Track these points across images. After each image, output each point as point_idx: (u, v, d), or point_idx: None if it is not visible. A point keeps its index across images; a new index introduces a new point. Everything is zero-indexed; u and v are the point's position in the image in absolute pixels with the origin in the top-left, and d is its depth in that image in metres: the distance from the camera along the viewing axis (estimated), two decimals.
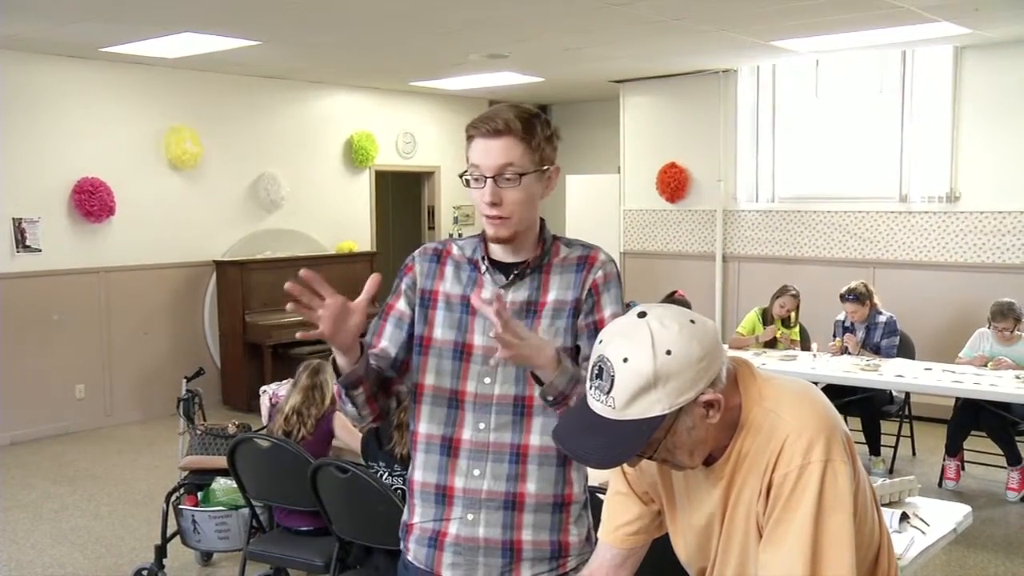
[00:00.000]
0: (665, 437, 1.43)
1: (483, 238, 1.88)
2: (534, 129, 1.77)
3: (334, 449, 3.96)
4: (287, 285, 1.64)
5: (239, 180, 8.14)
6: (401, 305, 1.90)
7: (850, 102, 7.46)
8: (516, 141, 1.75)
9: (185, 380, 4.81)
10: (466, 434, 1.83)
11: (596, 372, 1.43)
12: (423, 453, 1.88)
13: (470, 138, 1.80)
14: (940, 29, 6.11)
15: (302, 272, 1.65)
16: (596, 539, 1.87)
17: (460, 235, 2.05)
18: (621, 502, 1.73)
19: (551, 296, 1.84)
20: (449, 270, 1.89)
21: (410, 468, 1.93)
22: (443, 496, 1.85)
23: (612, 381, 1.39)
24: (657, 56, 7.33)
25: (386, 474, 3.36)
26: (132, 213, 7.37)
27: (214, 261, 7.92)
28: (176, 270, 7.75)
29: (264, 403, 4.62)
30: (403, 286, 1.91)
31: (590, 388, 1.44)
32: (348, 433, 3.86)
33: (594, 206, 9.21)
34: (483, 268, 1.86)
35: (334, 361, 1.77)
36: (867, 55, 7.19)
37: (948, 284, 7.08)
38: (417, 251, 1.94)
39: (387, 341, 1.89)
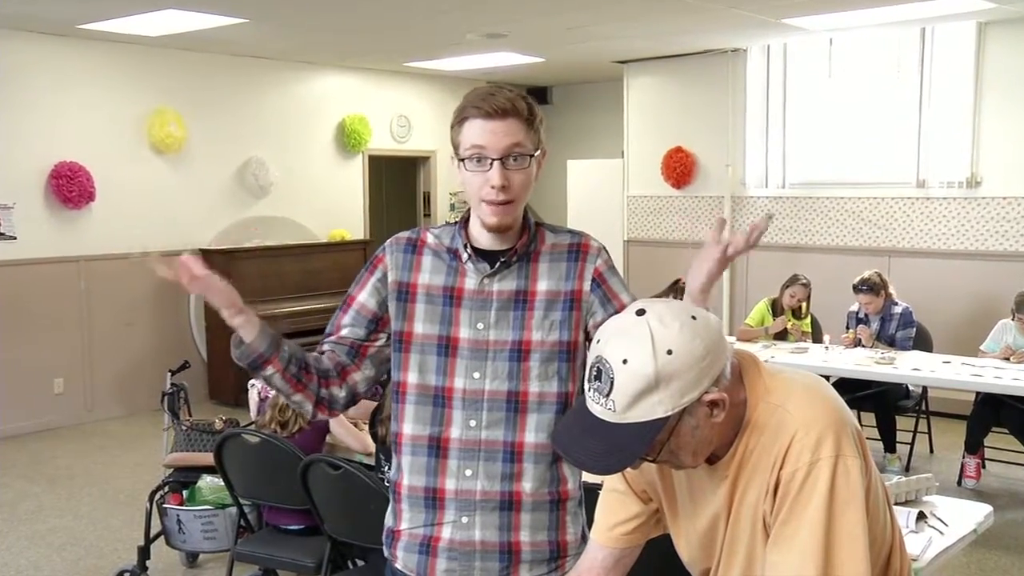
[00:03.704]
0: (669, 439, 1.41)
1: (462, 225, 1.84)
2: (534, 110, 1.77)
3: (327, 445, 3.94)
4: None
5: (226, 165, 8.07)
6: (363, 297, 1.87)
7: (865, 83, 7.35)
8: (520, 122, 1.74)
9: (170, 373, 4.75)
10: (455, 432, 1.80)
11: (594, 373, 1.40)
12: (409, 455, 1.84)
13: (465, 119, 1.75)
14: (962, 4, 6.03)
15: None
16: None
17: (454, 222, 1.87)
18: (618, 500, 1.69)
19: (542, 286, 1.82)
20: (427, 260, 1.85)
21: (393, 471, 1.89)
22: (433, 499, 1.82)
23: (611, 383, 1.37)
24: (663, 35, 7.27)
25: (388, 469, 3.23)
26: (113, 199, 7.28)
27: (200, 249, 7.72)
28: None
29: (252, 397, 4.56)
30: (371, 279, 1.87)
31: (588, 390, 1.42)
32: (343, 429, 3.83)
33: (597, 192, 9.15)
34: (464, 257, 1.82)
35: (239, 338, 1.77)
36: (884, 33, 7.09)
37: (968, 273, 7.01)
38: (388, 241, 1.89)
39: (345, 330, 1.87)
